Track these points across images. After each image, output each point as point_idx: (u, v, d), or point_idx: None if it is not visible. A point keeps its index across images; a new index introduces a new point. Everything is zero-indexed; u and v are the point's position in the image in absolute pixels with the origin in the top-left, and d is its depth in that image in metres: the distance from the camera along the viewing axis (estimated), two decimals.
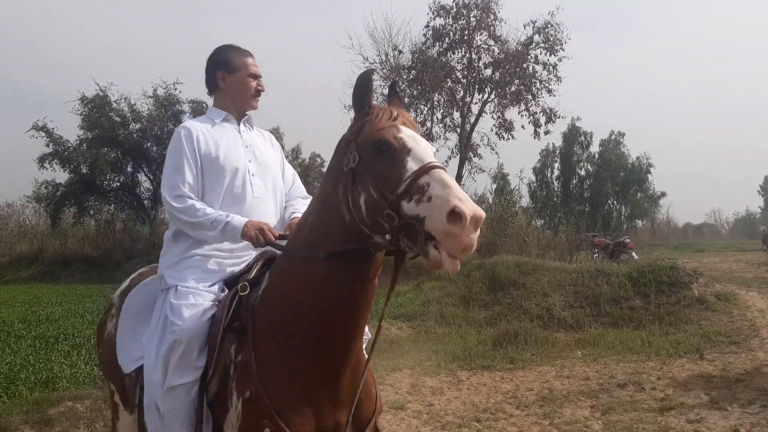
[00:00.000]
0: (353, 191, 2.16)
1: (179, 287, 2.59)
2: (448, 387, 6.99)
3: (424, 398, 6.52)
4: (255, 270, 2.60)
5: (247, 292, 2.49)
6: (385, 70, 19.42)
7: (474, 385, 7.06)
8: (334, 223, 2.26)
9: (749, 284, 12.64)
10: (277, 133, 23.49)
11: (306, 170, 25.10)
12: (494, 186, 29.36)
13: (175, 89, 26.05)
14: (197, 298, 2.55)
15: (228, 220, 2.63)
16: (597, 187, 41.56)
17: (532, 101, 19.33)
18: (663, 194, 44.98)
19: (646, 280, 10.89)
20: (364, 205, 2.11)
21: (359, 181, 2.14)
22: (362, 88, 2.25)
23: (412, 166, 2.04)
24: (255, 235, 2.61)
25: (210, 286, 2.62)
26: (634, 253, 19.22)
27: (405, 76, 19.38)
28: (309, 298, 2.30)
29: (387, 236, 2.08)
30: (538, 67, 19.07)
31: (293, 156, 25.52)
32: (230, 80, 2.92)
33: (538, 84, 19.17)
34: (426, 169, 2.01)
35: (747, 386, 6.34)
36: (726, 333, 8.73)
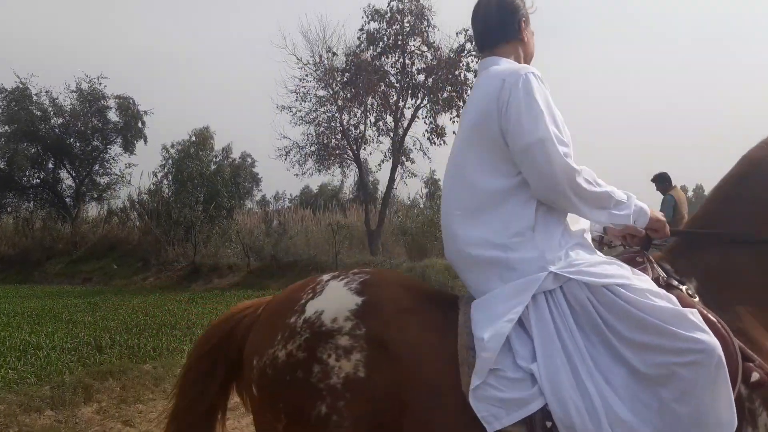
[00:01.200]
0: None
1: (633, 285, 1.91)
2: None
3: None
4: (658, 270, 2.11)
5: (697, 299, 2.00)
6: (318, 72, 19.38)
7: None
8: None
9: None
10: (206, 132, 23.07)
11: (236, 170, 24.69)
12: (426, 191, 29.72)
13: (100, 84, 25.23)
14: (669, 300, 1.90)
15: (635, 199, 2.07)
16: None
17: (463, 108, 19.59)
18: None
19: None
20: None
21: None
22: None
23: None
24: (664, 225, 2.14)
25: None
26: None
27: (339, 79, 19.38)
28: None
29: None
30: (470, 75, 19.39)
31: (224, 156, 25.08)
32: (527, 34, 2.32)
33: (469, 91, 19.50)
34: None
35: None
36: None
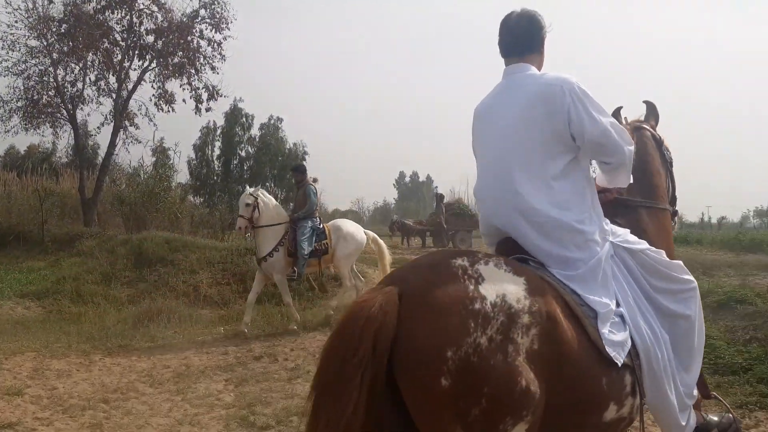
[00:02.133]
0: (671, 175, 3.41)
1: (652, 249, 2.76)
2: (77, 369, 6.53)
3: (48, 382, 6.00)
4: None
5: None
6: (31, 19, 17.14)
7: (107, 366, 6.73)
8: (667, 190, 3.32)
9: (377, 263, 14.23)
10: None
11: None
12: (154, 159, 28.18)
13: None
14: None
15: None
16: (257, 169, 42.64)
17: (195, 76, 18.93)
18: (315, 180, 48.08)
19: None
20: (671, 184, 3.39)
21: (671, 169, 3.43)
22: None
23: None
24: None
25: None
26: None
27: (54, 29, 17.37)
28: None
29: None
30: (203, 43, 18.69)
31: None
32: (544, 49, 2.83)
33: (202, 59, 18.81)
34: None
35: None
36: None
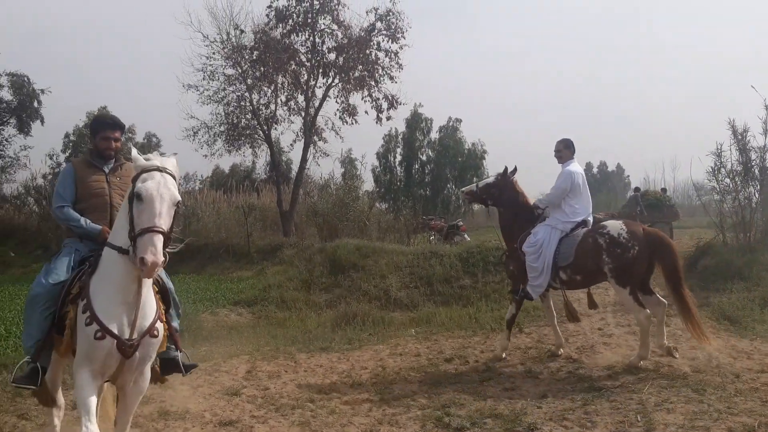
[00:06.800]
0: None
1: None
2: (285, 371, 7.05)
3: (261, 383, 6.54)
4: None
5: None
6: (226, 50, 18.89)
7: (311, 367, 7.19)
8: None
9: None
10: (105, 113, 22.07)
11: (140, 151, 23.69)
12: (342, 170, 29.60)
13: None
14: None
15: None
16: (437, 172, 43.15)
17: (375, 87, 19.70)
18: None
19: (475, 261, 11.59)
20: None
21: None
22: None
23: None
24: None
25: None
26: (466, 235, 20.32)
27: (247, 57, 18.97)
28: None
29: None
30: (381, 54, 19.41)
31: (126, 137, 24.07)
32: None
33: (380, 70, 19.52)
34: None
35: (555, 355, 7.00)
36: (543, 308, 9.52)
